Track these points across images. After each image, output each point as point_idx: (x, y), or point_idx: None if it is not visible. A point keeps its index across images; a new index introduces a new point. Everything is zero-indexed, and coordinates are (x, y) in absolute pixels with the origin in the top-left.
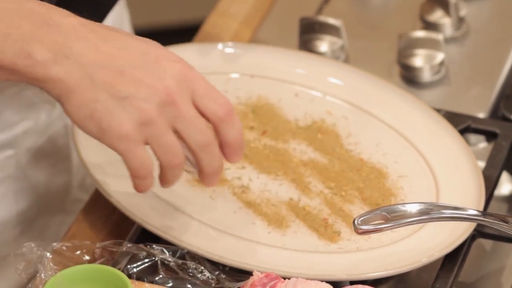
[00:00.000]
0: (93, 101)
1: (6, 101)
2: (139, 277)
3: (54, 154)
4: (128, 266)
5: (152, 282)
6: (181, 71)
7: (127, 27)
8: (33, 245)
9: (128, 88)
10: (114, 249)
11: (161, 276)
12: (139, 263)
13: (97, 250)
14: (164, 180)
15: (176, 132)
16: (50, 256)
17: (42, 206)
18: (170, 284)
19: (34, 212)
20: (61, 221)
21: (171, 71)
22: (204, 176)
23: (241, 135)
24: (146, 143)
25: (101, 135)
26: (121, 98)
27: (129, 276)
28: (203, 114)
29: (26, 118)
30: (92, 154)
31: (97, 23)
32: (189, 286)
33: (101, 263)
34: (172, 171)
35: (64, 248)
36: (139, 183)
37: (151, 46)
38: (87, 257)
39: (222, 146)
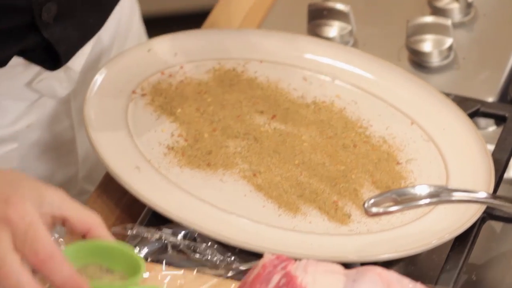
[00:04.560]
0: None
1: (9, 96)
2: (150, 258)
3: (58, 148)
4: (138, 248)
5: (162, 263)
6: (7, 215)
7: (136, 15)
8: None
9: None
10: (125, 232)
11: (170, 257)
12: (149, 245)
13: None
14: None
15: None
16: (62, 240)
17: None
18: (180, 266)
19: None
20: None
21: None
22: None
23: (69, 278)
24: None
25: None
26: None
27: None
28: None
29: (29, 112)
30: (104, 140)
31: None
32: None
33: None
34: None
35: None
36: None
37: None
38: None
39: None
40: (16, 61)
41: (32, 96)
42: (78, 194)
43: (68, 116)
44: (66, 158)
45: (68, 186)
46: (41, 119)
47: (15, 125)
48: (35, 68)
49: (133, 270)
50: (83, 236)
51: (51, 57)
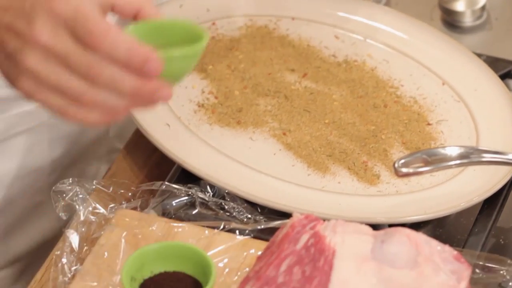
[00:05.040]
0: None
1: None
2: (176, 213)
3: None
4: (165, 202)
5: (189, 219)
6: (51, 7)
7: None
8: (70, 181)
9: (12, 43)
10: (154, 189)
11: (198, 212)
12: (178, 200)
13: (136, 189)
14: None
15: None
16: (89, 196)
17: (77, 155)
18: (207, 221)
19: (69, 160)
20: (97, 169)
21: (41, 12)
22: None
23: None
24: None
25: (15, 90)
26: (8, 53)
27: (166, 212)
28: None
29: None
30: None
31: None
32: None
33: (141, 203)
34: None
35: (103, 187)
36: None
37: None
38: (127, 195)
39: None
40: None
41: None
42: (108, 152)
43: None
44: None
45: (98, 143)
46: None
47: None
48: None
49: (195, 41)
50: (134, 18)
51: None
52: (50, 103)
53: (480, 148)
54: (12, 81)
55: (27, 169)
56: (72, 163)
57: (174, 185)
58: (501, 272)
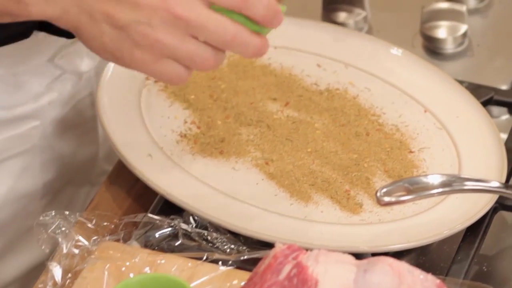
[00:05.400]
0: (99, 34)
1: (31, 72)
2: (159, 245)
3: (79, 125)
4: (148, 234)
5: (172, 250)
6: None
7: None
8: (53, 213)
9: (127, 15)
10: (136, 221)
11: (181, 243)
12: (160, 232)
13: (119, 222)
14: None
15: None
16: (72, 228)
17: (68, 177)
18: (190, 253)
19: (60, 183)
20: (88, 192)
21: None
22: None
23: (268, 2)
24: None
25: (119, 63)
26: (122, 26)
27: (149, 244)
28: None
29: (51, 89)
30: (117, 127)
31: None
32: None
33: (124, 235)
34: (209, 70)
35: (86, 219)
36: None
37: None
38: (110, 227)
39: (257, 23)
40: (38, 36)
41: (54, 72)
42: (98, 175)
43: (89, 94)
44: (87, 136)
45: (89, 166)
46: (62, 96)
47: (37, 102)
48: (57, 43)
49: None
50: None
51: None
52: (166, 70)
53: (462, 176)
54: (122, 53)
55: (19, 193)
56: (63, 186)
57: (156, 217)
58: None
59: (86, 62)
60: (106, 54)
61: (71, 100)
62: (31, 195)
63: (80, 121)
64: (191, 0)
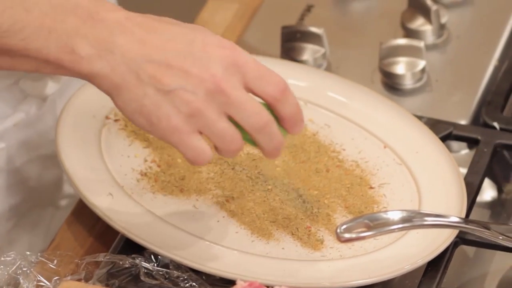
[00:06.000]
0: (141, 96)
1: None
2: (121, 284)
3: (44, 147)
4: (109, 273)
5: None
6: (228, 56)
7: None
8: (12, 255)
9: (174, 81)
10: (98, 260)
11: (143, 282)
12: (121, 272)
13: (80, 261)
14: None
15: (231, 117)
16: (33, 269)
17: (34, 200)
18: None
19: (26, 206)
20: (53, 215)
21: (218, 57)
22: (265, 153)
23: (298, 108)
24: (201, 132)
25: (151, 129)
26: (167, 91)
27: (111, 283)
28: (257, 96)
29: (17, 110)
30: (77, 166)
31: (143, 15)
32: None
33: (85, 274)
34: (231, 155)
35: (47, 259)
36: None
37: (199, 33)
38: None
39: (281, 121)
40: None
41: (18, 95)
42: (63, 197)
43: (53, 116)
44: (52, 159)
45: (53, 189)
46: (27, 118)
47: (2, 124)
48: None
49: None
50: None
51: None
52: (196, 146)
53: (422, 211)
54: (159, 119)
55: None
56: (29, 209)
57: (118, 256)
58: None
59: (50, 85)
60: (141, 118)
61: (36, 122)
62: None
63: (44, 144)
64: (236, 81)
